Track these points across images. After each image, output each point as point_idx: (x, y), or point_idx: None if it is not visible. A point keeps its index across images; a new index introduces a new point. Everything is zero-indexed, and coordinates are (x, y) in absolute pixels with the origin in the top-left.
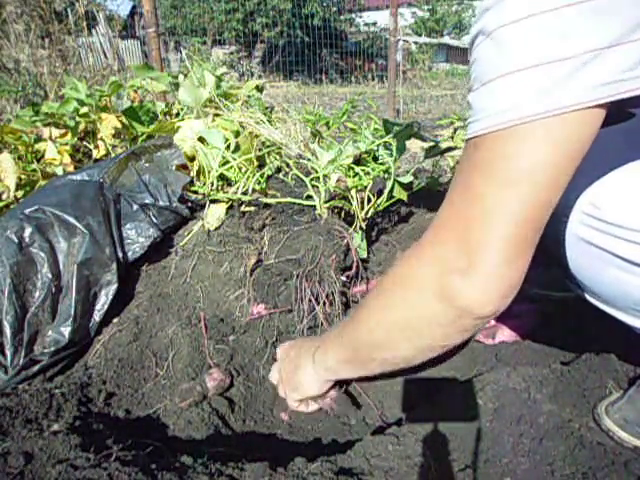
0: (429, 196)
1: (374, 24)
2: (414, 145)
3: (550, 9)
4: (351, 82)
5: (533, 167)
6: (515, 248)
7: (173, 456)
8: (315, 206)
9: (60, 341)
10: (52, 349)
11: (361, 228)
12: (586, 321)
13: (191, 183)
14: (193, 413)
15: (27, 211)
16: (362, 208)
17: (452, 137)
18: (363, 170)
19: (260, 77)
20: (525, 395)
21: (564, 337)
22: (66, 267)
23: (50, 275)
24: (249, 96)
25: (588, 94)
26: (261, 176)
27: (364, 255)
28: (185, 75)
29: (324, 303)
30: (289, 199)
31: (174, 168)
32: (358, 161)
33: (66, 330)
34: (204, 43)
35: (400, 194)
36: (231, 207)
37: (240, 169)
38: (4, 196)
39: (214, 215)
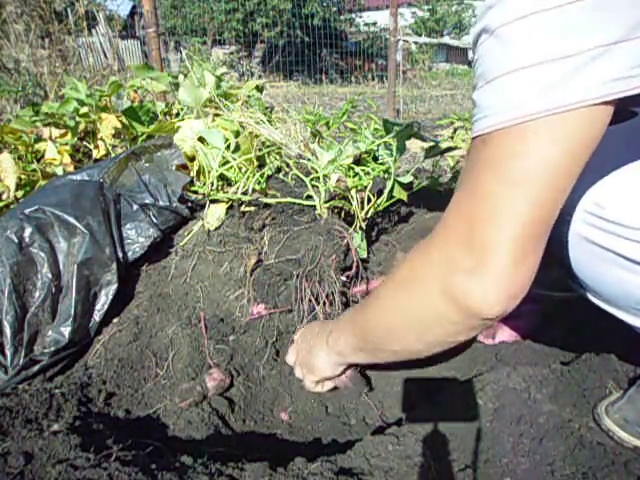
0: (429, 196)
1: (374, 24)
2: (414, 145)
3: (554, 6)
4: (351, 82)
5: (541, 165)
6: (523, 249)
7: (173, 456)
8: (315, 206)
9: (60, 341)
10: (52, 349)
11: (361, 228)
12: (586, 321)
13: (191, 183)
14: (193, 413)
15: (27, 211)
16: (362, 208)
17: (452, 137)
18: (363, 170)
19: (260, 77)
20: (525, 395)
21: (564, 337)
22: (66, 267)
23: (50, 275)
24: (249, 96)
25: (595, 91)
26: (261, 176)
27: (364, 255)
28: (185, 75)
29: (324, 303)
30: (289, 199)
31: (174, 168)
32: (358, 161)
33: (66, 330)
34: (204, 43)
35: (400, 194)
36: (231, 207)
37: (240, 169)
38: (4, 196)
39: (214, 215)
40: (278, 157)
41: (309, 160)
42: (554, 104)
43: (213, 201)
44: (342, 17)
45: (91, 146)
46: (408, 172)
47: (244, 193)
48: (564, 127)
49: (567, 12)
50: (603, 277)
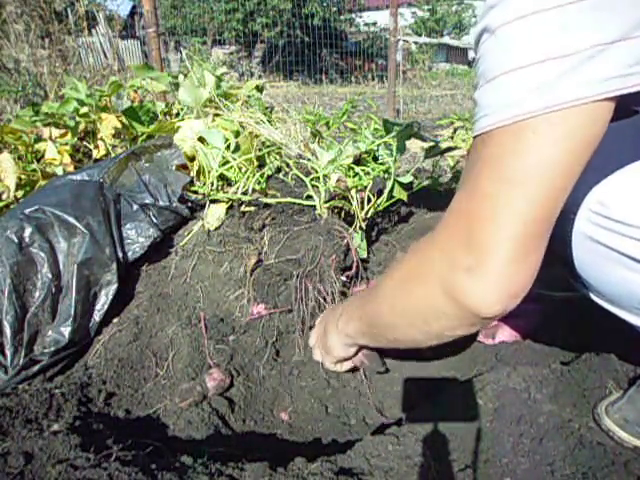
0: (429, 196)
1: (374, 24)
2: (414, 145)
3: (554, 6)
4: (351, 82)
5: (541, 164)
6: (524, 247)
7: (173, 456)
8: (315, 206)
9: (60, 341)
10: (52, 349)
11: (361, 228)
12: (586, 321)
13: (191, 183)
14: (193, 413)
15: (27, 211)
16: (362, 208)
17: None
18: (363, 170)
19: (260, 77)
20: (525, 395)
21: (564, 337)
22: (66, 267)
23: (50, 275)
24: (249, 96)
25: (592, 89)
26: (261, 176)
27: (364, 255)
28: (185, 75)
29: (324, 302)
30: (289, 199)
31: (174, 168)
32: (358, 161)
33: (66, 330)
34: (204, 43)
35: (400, 194)
36: (231, 207)
37: (240, 169)
38: (4, 196)
39: (214, 215)
40: (278, 157)
41: (309, 160)
42: (553, 102)
43: (213, 201)
44: (342, 17)
45: (91, 146)
46: (408, 172)
47: (244, 193)
48: (564, 125)
49: (567, 12)
50: (607, 276)
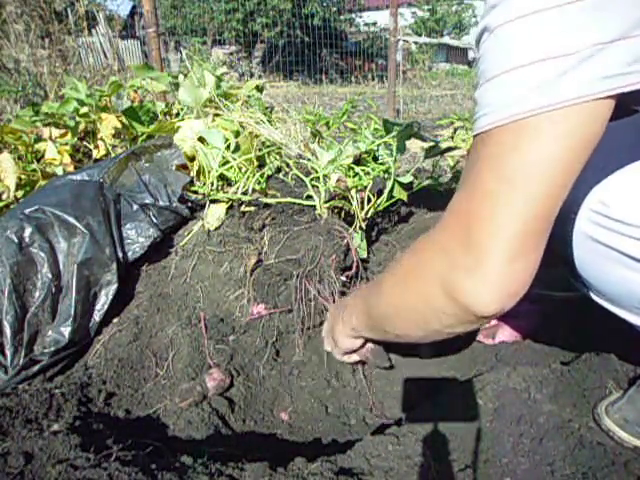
0: (429, 196)
1: (374, 24)
2: (414, 145)
3: (554, 6)
4: (351, 82)
5: (541, 161)
6: (523, 246)
7: (173, 456)
8: (315, 206)
9: (60, 341)
10: (52, 349)
11: (361, 228)
12: (586, 321)
13: (191, 183)
14: (193, 413)
15: (27, 211)
16: (362, 208)
17: (452, 137)
18: (363, 170)
19: (260, 77)
20: (525, 395)
21: (564, 337)
22: (66, 267)
23: (50, 275)
24: (249, 96)
25: (593, 87)
26: (261, 176)
27: (364, 255)
28: (185, 75)
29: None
30: (289, 199)
31: (174, 168)
32: (358, 161)
33: (66, 330)
34: (204, 43)
35: (400, 194)
36: (231, 207)
37: (240, 169)
38: (4, 196)
39: (214, 215)
40: (278, 157)
41: (309, 160)
42: (554, 100)
43: (213, 201)
44: (342, 17)
45: (91, 146)
46: (408, 172)
47: (244, 193)
48: (565, 123)
49: (567, 11)
50: (607, 276)
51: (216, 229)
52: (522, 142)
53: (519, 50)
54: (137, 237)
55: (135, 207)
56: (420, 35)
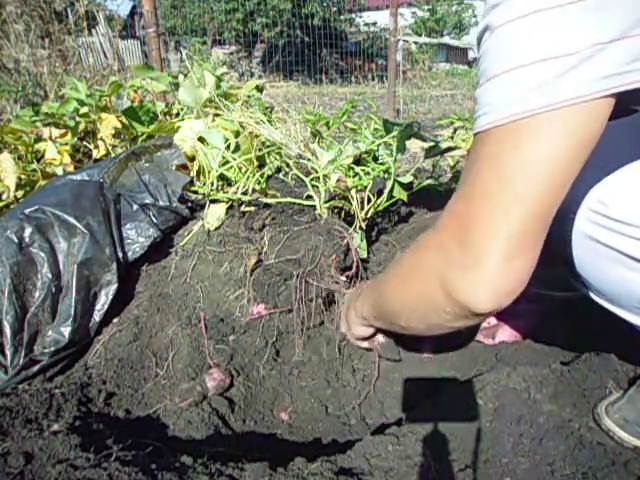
0: (429, 196)
1: (374, 24)
2: (414, 145)
3: (555, 5)
4: (351, 82)
5: (541, 161)
6: (521, 246)
7: (173, 456)
8: (315, 206)
9: (60, 341)
10: (52, 349)
11: (361, 228)
12: (586, 321)
13: (191, 183)
14: (193, 413)
15: (27, 211)
16: (362, 208)
17: (452, 137)
18: (363, 170)
19: (260, 77)
20: (525, 395)
21: (564, 337)
22: (66, 267)
23: (50, 275)
24: (249, 96)
25: (592, 86)
26: (261, 176)
27: (364, 255)
28: (185, 75)
29: (324, 302)
30: (289, 199)
31: (174, 168)
32: (358, 161)
33: (66, 330)
34: (204, 43)
35: (400, 194)
36: (231, 207)
37: (240, 169)
38: (4, 196)
39: (214, 215)
40: (278, 157)
41: (309, 160)
42: (553, 100)
43: (213, 201)
44: (342, 17)
45: (91, 146)
46: (408, 172)
47: (244, 193)
48: (564, 123)
49: (569, 11)
50: (606, 276)
51: (216, 229)
52: (522, 142)
53: (520, 50)
54: (137, 237)
55: (135, 207)
56: (420, 35)
